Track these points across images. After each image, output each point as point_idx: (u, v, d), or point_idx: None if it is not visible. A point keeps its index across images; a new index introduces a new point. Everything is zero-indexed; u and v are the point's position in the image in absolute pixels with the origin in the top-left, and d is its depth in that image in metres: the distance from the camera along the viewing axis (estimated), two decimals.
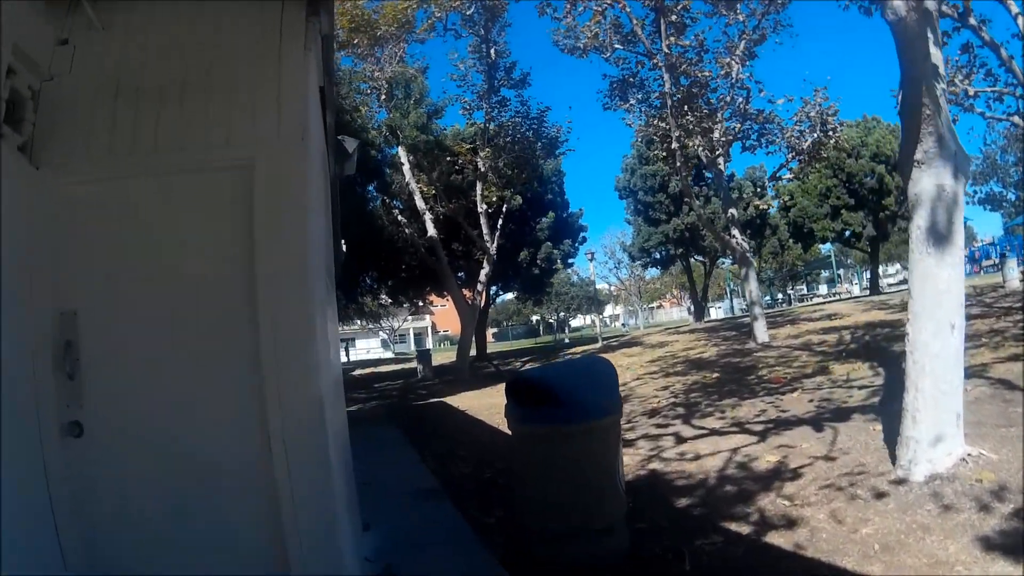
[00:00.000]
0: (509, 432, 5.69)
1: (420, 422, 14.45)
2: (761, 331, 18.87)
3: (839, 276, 65.65)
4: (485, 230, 24.61)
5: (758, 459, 7.38)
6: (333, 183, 7.27)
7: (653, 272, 69.55)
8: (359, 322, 62.26)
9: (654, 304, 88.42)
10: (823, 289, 66.60)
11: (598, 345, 31.27)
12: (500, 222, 25.47)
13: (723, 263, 52.64)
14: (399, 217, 26.31)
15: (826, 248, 55.67)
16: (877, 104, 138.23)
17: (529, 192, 31.72)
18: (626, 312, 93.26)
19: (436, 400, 19.19)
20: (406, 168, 24.65)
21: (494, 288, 36.97)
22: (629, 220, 42.89)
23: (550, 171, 35.19)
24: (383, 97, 23.69)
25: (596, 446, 5.19)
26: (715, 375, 14.69)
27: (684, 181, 22.63)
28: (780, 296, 65.02)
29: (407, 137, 23.98)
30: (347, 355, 66.50)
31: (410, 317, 74.45)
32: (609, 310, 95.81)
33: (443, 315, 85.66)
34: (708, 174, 37.75)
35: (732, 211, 21.44)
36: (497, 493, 7.55)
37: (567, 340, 57.54)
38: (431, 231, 24.21)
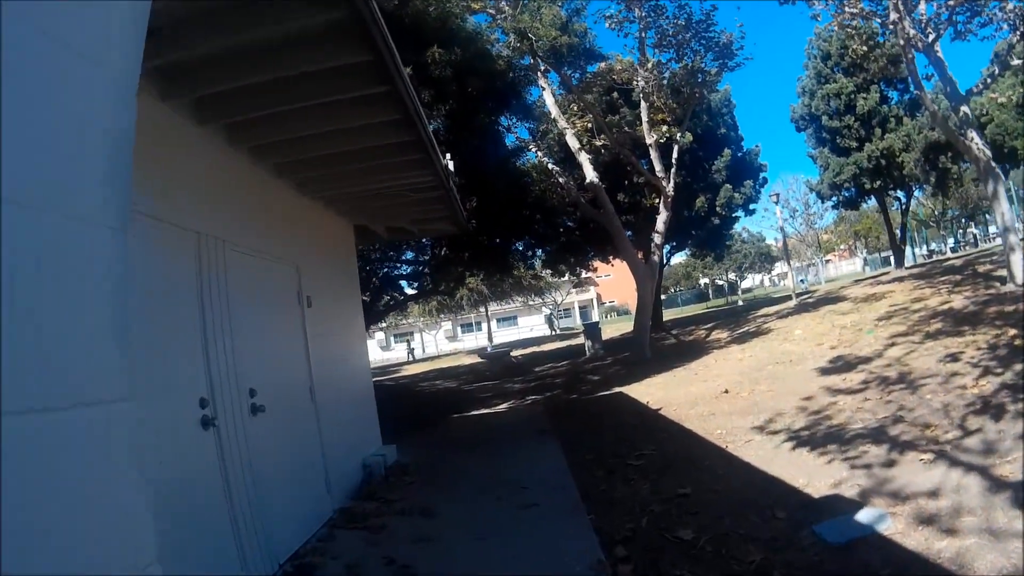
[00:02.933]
0: None
1: (593, 436, 9.56)
2: (1019, 267, 14.24)
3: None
4: (658, 166, 19.32)
5: None
6: None
7: (829, 218, 63.25)
8: (519, 299, 58.17)
9: (824, 258, 79.89)
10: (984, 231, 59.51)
11: (793, 303, 25.81)
12: (675, 156, 20.01)
13: (920, 194, 45.10)
14: (550, 166, 21.27)
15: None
16: None
17: (699, 128, 26.27)
18: (794, 269, 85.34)
19: (613, 391, 14.34)
20: (547, 97, 19.70)
21: (667, 247, 31.36)
22: (812, 155, 36.09)
23: (719, 101, 29.84)
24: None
25: None
26: (1012, 332, 10.38)
27: (910, 65, 16.71)
28: (958, 238, 57.05)
29: (543, 38, 18.30)
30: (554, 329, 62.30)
31: (574, 290, 69.75)
32: (777, 268, 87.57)
33: (607, 285, 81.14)
34: (892, 93, 32.12)
35: (965, 109, 16.63)
36: None
37: (740, 303, 51.49)
38: (590, 175, 19.19)
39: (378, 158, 6.62)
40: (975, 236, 58.40)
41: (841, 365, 11.66)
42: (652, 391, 13.20)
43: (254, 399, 5.44)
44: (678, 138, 20.20)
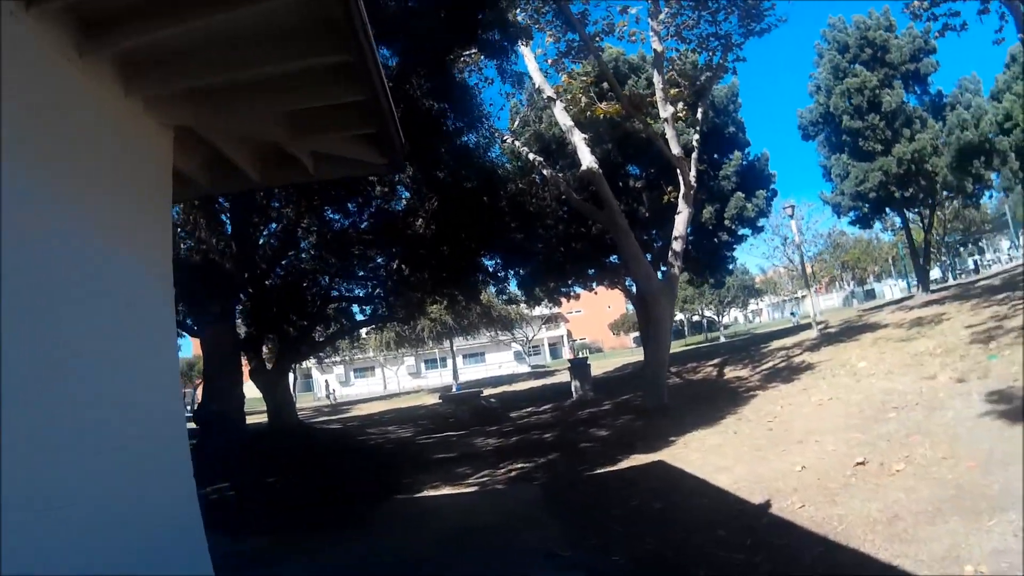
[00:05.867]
0: None
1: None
2: None
3: (1018, 239, 54.64)
4: (675, 147, 14.57)
5: None
6: None
7: (816, 247, 60.21)
8: (488, 332, 53.72)
9: (800, 294, 76.13)
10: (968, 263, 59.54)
11: (814, 333, 21.63)
12: (696, 138, 15.54)
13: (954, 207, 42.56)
14: (530, 156, 16.72)
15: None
16: None
17: (704, 126, 21.89)
18: (771, 305, 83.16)
19: (647, 460, 9.42)
20: (530, 62, 15.43)
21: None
22: (825, 164, 31.62)
23: (725, 96, 25.57)
24: None
25: None
26: None
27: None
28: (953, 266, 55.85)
29: None
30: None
31: (544, 326, 65.63)
32: (752, 304, 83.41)
33: (577, 322, 77.59)
34: (910, 97, 28.88)
35: None
36: None
37: (723, 339, 49.23)
38: (587, 160, 14.47)
39: None
40: (976, 262, 57.14)
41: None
42: (716, 460, 8.30)
43: None
44: (699, 115, 15.70)
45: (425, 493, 9.03)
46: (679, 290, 35.93)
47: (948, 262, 56.79)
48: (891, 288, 59.21)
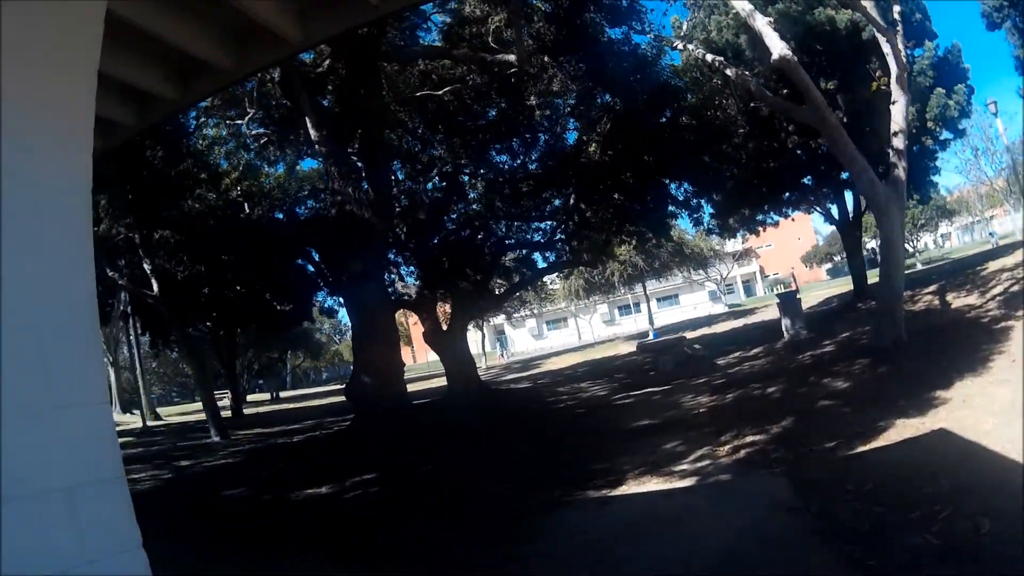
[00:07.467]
0: None
1: None
2: None
3: None
4: (877, 19, 11.81)
5: None
6: None
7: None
8: (681, 272, 51.42)
9: (989, 214, 67.32)
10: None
11: None
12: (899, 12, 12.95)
13: None
14: (707, 57, 14.77)
15: None
16: None
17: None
18: (959, 228, 74.06)
19: (916, 422, 7.11)
20: None
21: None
22: (1018, 55, 26.38)
23: None
24: None
25: None
26: None
27: None
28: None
29: None
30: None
31: (736, 263, 63.72)
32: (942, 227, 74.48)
33: (769, 256, 73.42)
34: None
35: None
36: None
37: (919, 265, 43.88)
38: (778, 49, 12.00)
39: None
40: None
41: None
42: None
43: None
44: None
45: (623, 490, 6.89)
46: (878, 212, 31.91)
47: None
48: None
